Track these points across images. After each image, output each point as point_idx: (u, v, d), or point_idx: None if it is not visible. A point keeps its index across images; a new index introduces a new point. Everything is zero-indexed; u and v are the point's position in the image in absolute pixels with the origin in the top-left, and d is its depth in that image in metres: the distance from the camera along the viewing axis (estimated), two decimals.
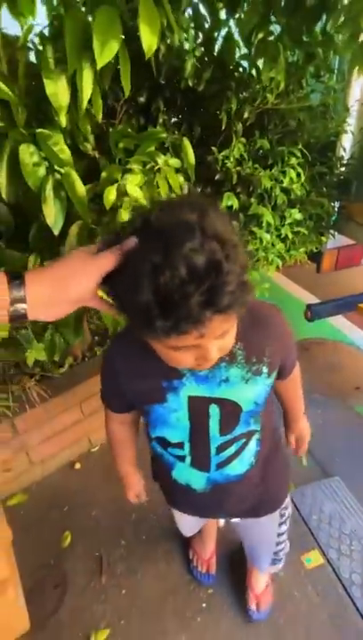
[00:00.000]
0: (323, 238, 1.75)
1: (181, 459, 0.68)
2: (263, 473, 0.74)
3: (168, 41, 0.97)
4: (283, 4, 1.00)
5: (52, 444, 1.46)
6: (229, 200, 1.23)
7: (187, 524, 1.01)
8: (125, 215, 0.87)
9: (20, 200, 0.93)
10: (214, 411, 0.61)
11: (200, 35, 1.22)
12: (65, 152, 0.87)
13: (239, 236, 0.44)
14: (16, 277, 0.42)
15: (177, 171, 1.03)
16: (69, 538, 1.28)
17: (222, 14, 1.15)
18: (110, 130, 1.11)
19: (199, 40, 1.23)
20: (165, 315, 0.39)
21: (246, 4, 1.04)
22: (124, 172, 0.93)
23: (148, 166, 0.98)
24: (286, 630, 1.06)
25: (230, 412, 0.62)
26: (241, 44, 1.20)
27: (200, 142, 1.28)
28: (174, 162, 1.02)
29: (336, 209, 1.69)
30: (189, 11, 1.17)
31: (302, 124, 1.34)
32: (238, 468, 0.69)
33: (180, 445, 0.66)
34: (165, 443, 0.68)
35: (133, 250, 0.42)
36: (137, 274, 0.39)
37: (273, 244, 1.36)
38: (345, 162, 1.61)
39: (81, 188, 0.89)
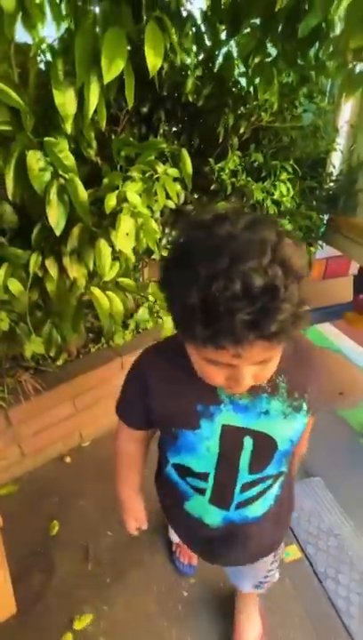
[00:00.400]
0: (312, 249, 1.84)
1: (201, 492, 0.63)
2: (277, 517, 0.70)
3: (171, 59, 1.04)
4: (280, 30, 1.08)
5: (43, 436, 1.50)
6: None
7: None
8: (124, 220, 0.92)
9: (25, 201, 0.98)
10: (248, 444, 0.57)
11: (202, 52, 1.29)
12: (70, 159, 0.92)
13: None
14: None
15: (175, 180, 1.10)
16: (57, 527, 1.32)
17: (223, 35, 1.22)
18: (113, 137, 1.17)
19: (201, 57, 1.30)
20: (206, 323, 0.38)
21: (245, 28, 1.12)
22: (124, 179, 0.99)
23: (147, 174, 1.04)
24: (262, 620, 1.11)
25: (265, 447, 0.58)
26: (240, 62, 1.28)
27: (198, 153, 1.35)
28: (173, 171, 1.08)
29: (325, 221, 1.78)
30: (193, 28, 1.24)
31: (295, 142, 1.43)
32: (259, 510, 0.65)
33: (203, 477, 0.61)
34: (185, 471, 0.63)
35: (200, 250, 0.39)
36: (194, 275, 0.38)
37: None
38: (334, 178, 1.71)
39: (83, 193, 0.94)
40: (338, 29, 1.07)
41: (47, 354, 1.08)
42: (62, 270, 0.97)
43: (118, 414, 0.69)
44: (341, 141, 1.63)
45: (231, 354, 0.41)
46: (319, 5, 0.82)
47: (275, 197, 1.32)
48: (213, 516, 0.65)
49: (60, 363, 1.50)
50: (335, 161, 1.67)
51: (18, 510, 1.37)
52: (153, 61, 0.84)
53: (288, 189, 1.33)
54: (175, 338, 0.56)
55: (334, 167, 1.68)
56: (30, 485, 1.47)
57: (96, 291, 1.00)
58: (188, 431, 0.57)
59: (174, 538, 1.08)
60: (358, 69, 1.05)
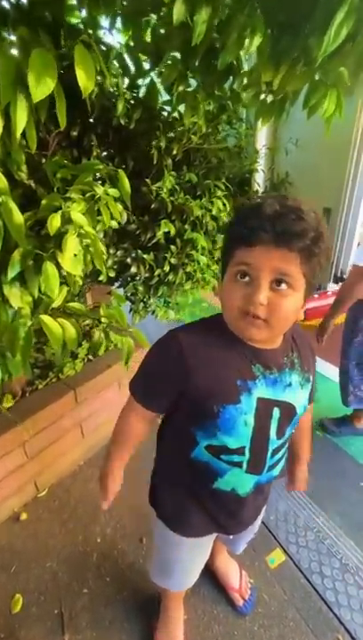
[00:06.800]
0: None
1: (238, 465, 0.67)
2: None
3: (100, 82, 1.06)
4: (197, 63, 1.17)
5: None
6: (166, 227, 1.32)
7: (197, 560, 0.90)
8: (70, 241, 0.88)
9: None
10: (276, 413, 0.65)
11: (126, 79, 1.34)
12: (2, 181, 0.85)
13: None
14: None
15: (115, 200, 1.09)
16: (21, 600, 1.12)
17: (146, 65, 1.28)
18: (44, 160, 1.13)
19: (126, 84, 1.34)
20: (257, 216, 0.53)
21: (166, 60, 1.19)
22: (64, 200, 0.94)
23: (87, 195, 1.01)
24: (261, 635, 1.08)
25: (288, 415, 0.67)
26: (163, 91, 1.35)
27: (133, 174, 1.37)
28: (113, 191, 1.07)
29: None
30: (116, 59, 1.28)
31: (223, 162, 1.55)
32: (279, 468, 0.74)
33: (239, 451, 0.66)
34: (220, 450, 0.66)
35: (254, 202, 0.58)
36: (251, 206, 0.57)
37: (209, 266, 1.48)
38: (260, 194, 1.89)
39: (18, 217, 0.87)
40: (246, 66, 1.21)
41: None
42: (5, 301, 0.87)
43: (134, 393, 0.72)
44: (261, 162, 1.82)
45: (269, 238, 0.53)
46: (233, 43, 0.91)
47: (213, 213, 1.39)
48: (247, 484, 0.71)
49: (5, 406, 1.32)
50: (259, 180, 1.85)
51: None
52: (85, 83, 0.83)
53: (224, 205, 1.42)
54: (202, 320, 0.68)
55: (258, 185, 1.86)
56: None
57: (46, 318, 0.92)
58: (229, 406, 0.61)
59: (190, 574, 0.91)
60: (268, 100, 1.19)
